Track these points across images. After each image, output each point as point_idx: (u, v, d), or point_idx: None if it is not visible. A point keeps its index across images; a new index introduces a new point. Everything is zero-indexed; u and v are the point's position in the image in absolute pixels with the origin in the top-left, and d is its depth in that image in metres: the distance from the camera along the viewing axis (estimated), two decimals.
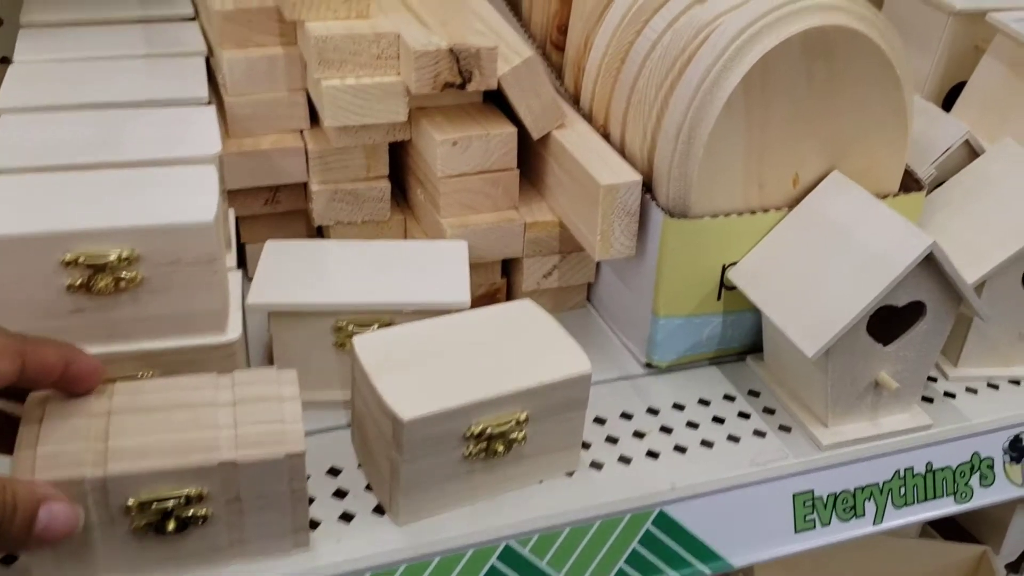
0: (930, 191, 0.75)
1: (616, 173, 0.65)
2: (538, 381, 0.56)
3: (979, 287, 0.69)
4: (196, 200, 0.56)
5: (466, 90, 0.67)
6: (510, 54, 0.69)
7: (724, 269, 0.67)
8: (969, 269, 0.68)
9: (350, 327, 0.62)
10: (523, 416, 0.56)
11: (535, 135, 0.71)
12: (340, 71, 0.68)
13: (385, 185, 0.74)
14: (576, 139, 0.70)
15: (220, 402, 0.54)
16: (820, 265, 0.64)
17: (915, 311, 0.63)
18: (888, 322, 0.63)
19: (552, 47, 0.79)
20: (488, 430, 0.55)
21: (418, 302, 0.62)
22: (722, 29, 0.61)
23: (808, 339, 0.61)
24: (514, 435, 0.57)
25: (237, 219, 0.75)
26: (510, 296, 0.76)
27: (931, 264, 0.61)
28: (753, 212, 0.66)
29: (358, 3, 0.69)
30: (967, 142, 0.75)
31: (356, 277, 0.64)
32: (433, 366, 0.57)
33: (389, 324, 0.63)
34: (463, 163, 0.69)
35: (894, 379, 0.64)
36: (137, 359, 0.57)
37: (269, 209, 0.76)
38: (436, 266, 0.66)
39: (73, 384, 0.51)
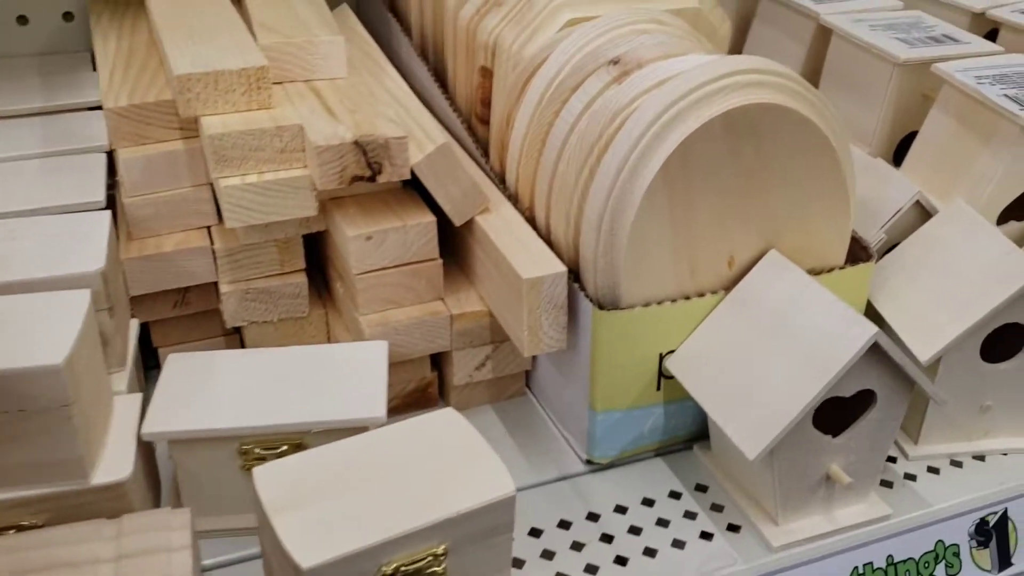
0: (883, 255, 0.71)
1: (539, 264, 0.61)
2: (455, 510, 0.52)
3: (935, 362, 0.64)
4: (49, 339, 0.51)
5: (376, 182, 0.63)
6: (424, 140, 0.65)
7: (662, 358, 0.63)
8: (924, 345, 0.64)
9: (256, 450, 0.58)
10: (441, 549, 0.52)
11: (457, 222, 0.66)
12: (241, 168, 0.63)
13: (301, 280, 0.69)
14: (500, 225, 0.66)
15: (103, 557, 0.49)
16: (760, 355, 0.59)
17: (864, 400, 0.59)
18: (837, 410, 0.59)
19: (477, 121, 0.75)
20: (401, 569, 0.51)
21: (328, 420, 0.58)
22: (638, 115, 0.57)
23: (749, 440, 0.57)
24: (432, 570, 0.52)
25: (147, 324, 0.70)
26: (442, 389, 0.72)
27: (877, 352, 0.56)
28: (688, 298, 0.62)
29: (259, 94, 0.65)
30: (918, 202, 0.71)
31: (262, 393, 0.60)
32: (340, 499, 0.52)
33: (299, 444, 0.58)
34: (379, 257, 0.65)
35: (846, 471, 0.60)
36: (18, 505, 0.53)
37: (180, 312, 0.71)
38: (351, 375, 0.61)
39: None
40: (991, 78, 0.71)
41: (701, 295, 0.62)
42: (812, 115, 0.58)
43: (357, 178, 0.62)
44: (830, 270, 0.65)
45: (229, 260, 0.68)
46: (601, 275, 0.60)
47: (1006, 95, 0.69)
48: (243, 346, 0.71)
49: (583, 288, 0.61)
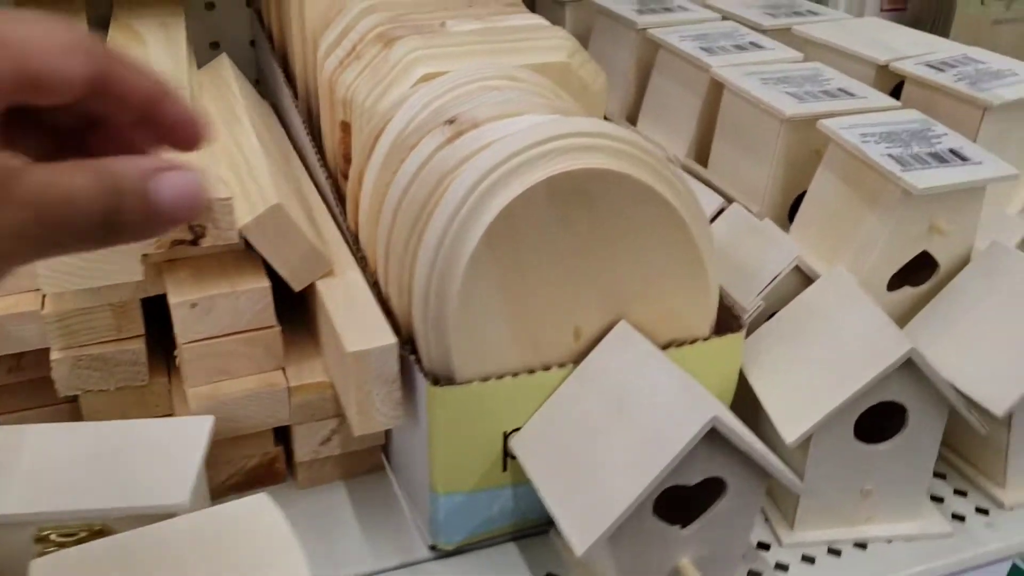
0: (763, 321, 0.67)
1: (368, 336, 0.57)
2: None
3: (806, 441, 0.60)
4: None
5: (200, 246, 0.59)
6: (258, 201, 0.61)
7: (507, 436, 0.59)
8: (791, 425, 0.59)
9: (54, 537, 0.53)
10: None
11: (295, 287, 0.62)
12: None
13: (139, 347, 0.65)
14: (339, 292, 0.61)
15: None
16: (602, 437, 0.55)
17: (714, 488, 0.54)
18: (692, 498, 0.54)
19: (343, 177, 0.71)
20: None
21: (127, 506, 0.53)
22: (461, 179, 0.53)
23: (579, 532, 0.52)
24: None
25: None
26: (290, 464, 0.67)
27: (718, 437, 0.52)
28: (532, 372, 0.57)
29: None
30: (798, 267, 0.67)
31: (66, 474, 0.55)
32: None
33: (100, 531, 0.54)
34: (208, 326, 0.61)
35: (700, 564, 0.55)
36: None
37: (15, 378, 0.67)
38: (166, 454, 0.57)
39: (165, 125, 0.36)
40: (877, 136, 0.67)
41: (547, 368, 0.58)
42: (654, 182, 0.54)
43: (179, 242, 0.58)
44: (693, 342, 0.60)
45: (59, 325, 0.63)
46: (434, 348, 0.56)
47: (890, 155, 0.65)
48: (81, 415, 0.67)
49: (419, 361, 0.57)
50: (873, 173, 0.65)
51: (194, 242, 0.59)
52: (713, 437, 0.51)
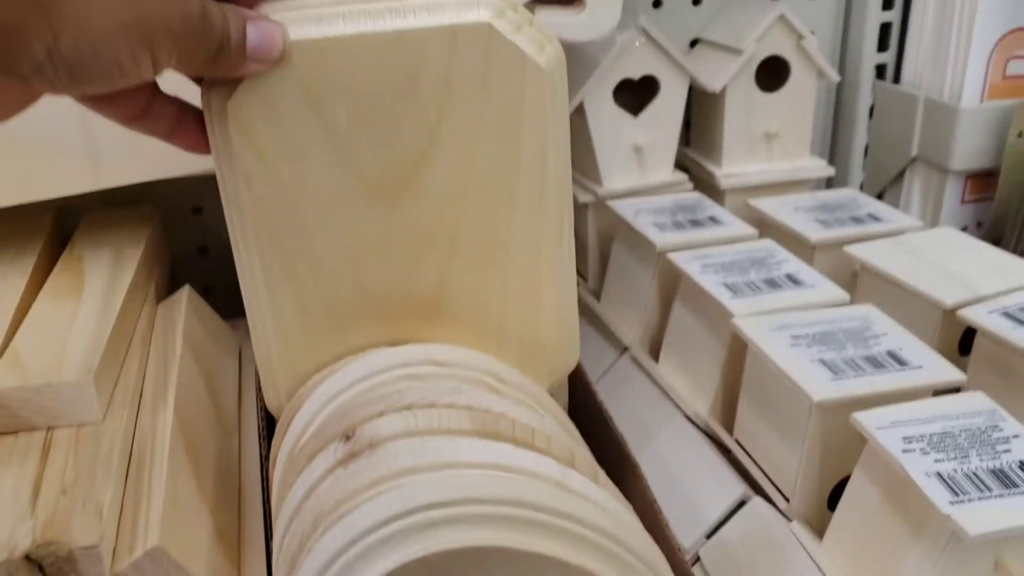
0: None
1: None
2: None
3: None
4: None
5: None
6: (141, 534, 0.51)
7: None
8: None
9: None
10: None
11: None
12: None
13: None
14: None
15: None
16: None
17: None
18: None
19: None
20: None
21: None
22: (312, 557, 0.41)
23: None
24: None
25: None
26: None
27: None
28: None
29: None
30: None
31: None
32: None
33: None
34: None
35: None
36: None
37: None
38: None
39: None
40: (928, 439, 0.52)
41: None
42: (589, 560, 0.41)
43: None
44: None
45: None
46: None
47: (940, 473, 0.50)
48: None
49: None
50: (917, 495, 0.51)
51: None
52: None
